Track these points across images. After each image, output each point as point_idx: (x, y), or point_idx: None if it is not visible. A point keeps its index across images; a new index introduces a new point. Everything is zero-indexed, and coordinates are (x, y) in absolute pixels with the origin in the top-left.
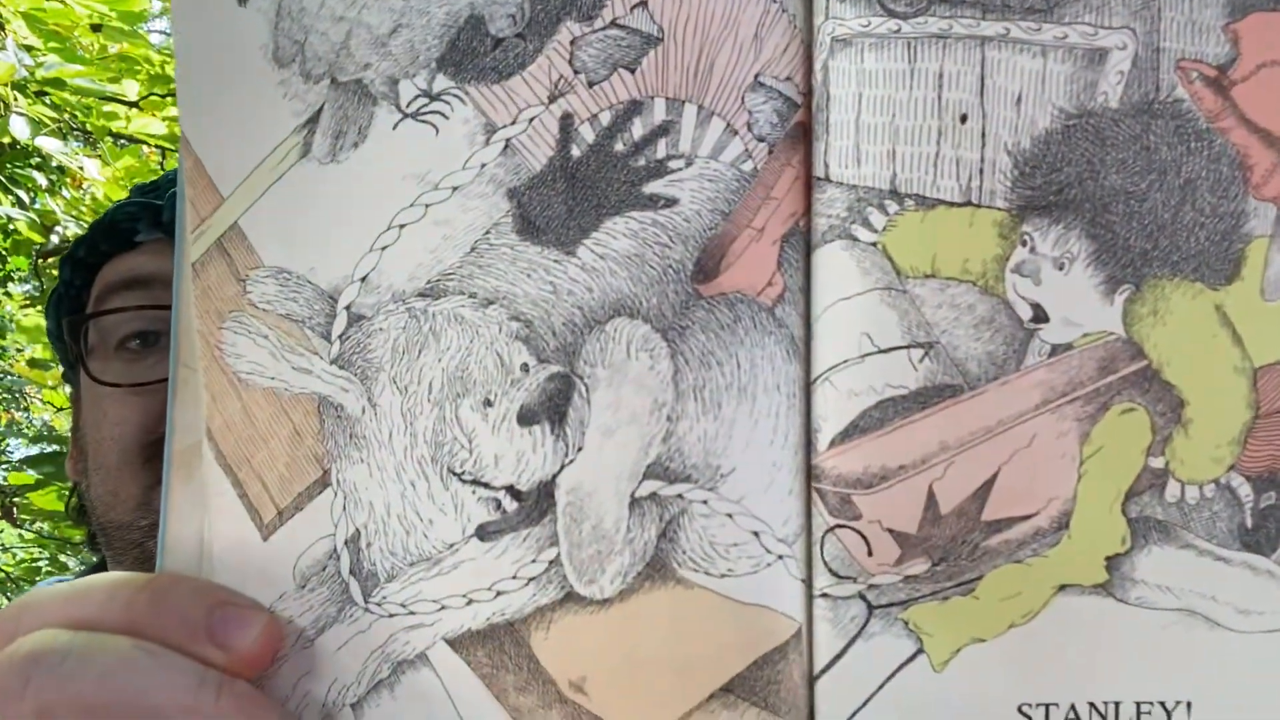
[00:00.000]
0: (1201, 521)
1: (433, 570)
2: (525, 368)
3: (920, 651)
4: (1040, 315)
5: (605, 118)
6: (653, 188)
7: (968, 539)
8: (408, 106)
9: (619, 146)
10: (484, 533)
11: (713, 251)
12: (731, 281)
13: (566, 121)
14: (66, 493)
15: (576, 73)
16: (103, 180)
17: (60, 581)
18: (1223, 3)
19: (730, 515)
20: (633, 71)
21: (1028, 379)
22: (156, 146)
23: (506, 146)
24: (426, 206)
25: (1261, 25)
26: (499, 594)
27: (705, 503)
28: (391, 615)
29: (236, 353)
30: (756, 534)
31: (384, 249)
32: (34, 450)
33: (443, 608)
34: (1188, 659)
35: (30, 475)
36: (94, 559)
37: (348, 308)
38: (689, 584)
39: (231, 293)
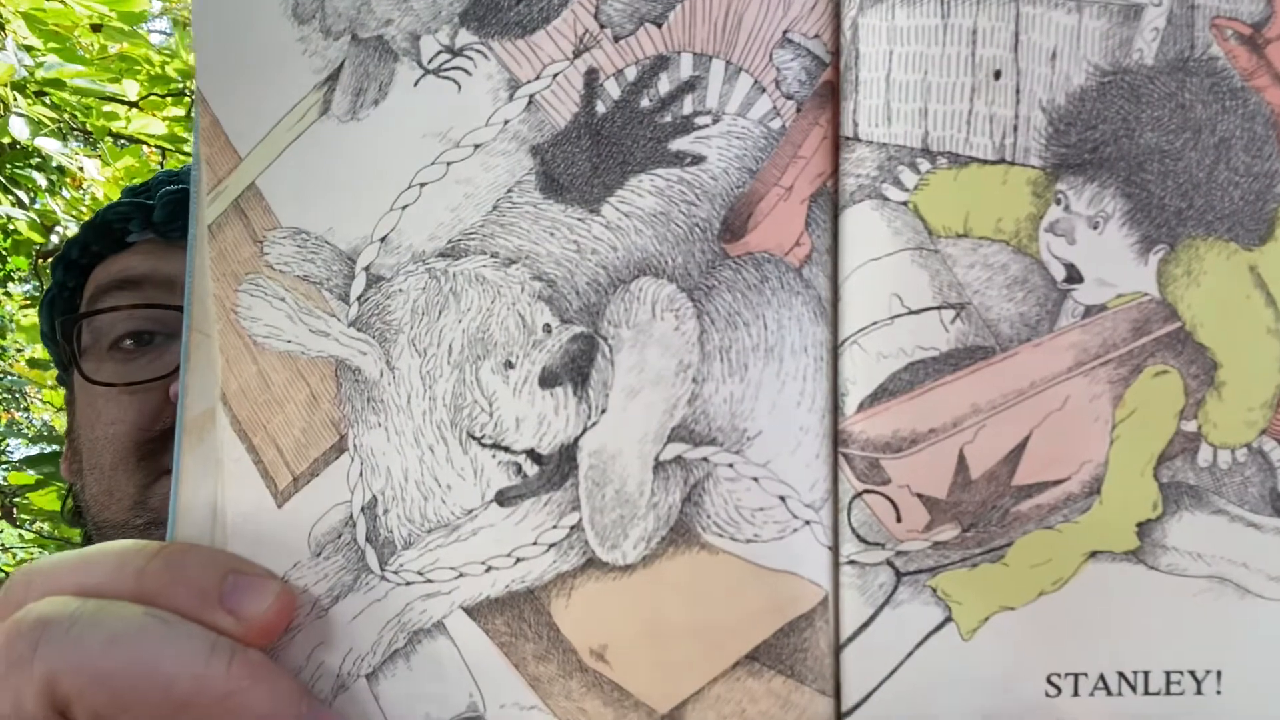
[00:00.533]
0: (1233, 487)
1: (451, 537)
2: (548, 328)
3: (949, 620)
4: (1074, 275)
5: (631, 73)
6: (679, 145)
7: (998, 504)
8: (429, 63)
9: (645, 102)
10: (504, 498)
11: (740, 210)
12: (759, 241)
13: (591, 77)
14: (65, 490)
15: (602, 27)
16: (103, 180)
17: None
18: None
19: (756, 479)
20: (659, 26)
21: (1061, 340)
22: (156, 146)
23: (530, 103)
24: (448, 165)
25: None
26: (519, 561)
27: (731, 466)
28: (408, 583)
29: (253, 315)
30: (783, 498)
31: (404, 208)
32: (34, 450)
33: (461, 575)
34: (1218, 627)
35: (30, 475)
36: None
37: (367, 269)
38: (714, 549)
39: (248, 254)
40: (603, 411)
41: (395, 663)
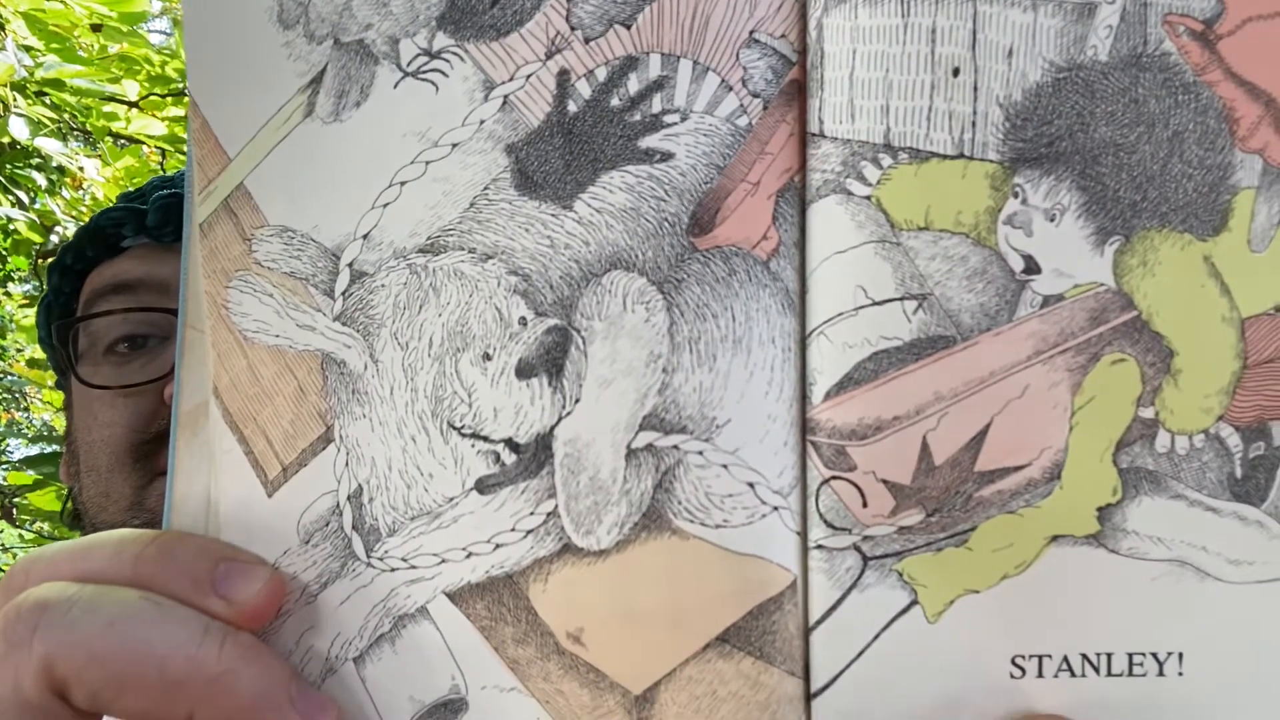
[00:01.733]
0: (1191, 472)
1: (433, 524)
2: (523, 321)
3: (914, 603)
4: (1032, 266)
5: (601, 73)
6: (648, 142)
7: (961, 489)
8: (408, 65)
9: (615, 102)
10: (483, 486)
11: (708, 205)
12: (727, 235)
13: (563, 77)
14: (65, 493)
15: (573, 29)
16: (102, 180)
17: None
18: None
19: (725, 466)
20: (628, 27)
21: (1020, 330)
22: (156, 147)
23: (505, 103)
24: (427, 164)
25: None
26: (497, 547)
27: (700, 454)
28: (393, 570)
29: (242, 311)
30: (752, 485)
31: (385, 206)
32: (34, 450)
33: (443, 561)
34: (1179, 610)
35: (29, 475)
36: None
37: (350, 265)
38: (684, 534)
39: (237, 252)
40: (576, 401)
41: (381, 647)
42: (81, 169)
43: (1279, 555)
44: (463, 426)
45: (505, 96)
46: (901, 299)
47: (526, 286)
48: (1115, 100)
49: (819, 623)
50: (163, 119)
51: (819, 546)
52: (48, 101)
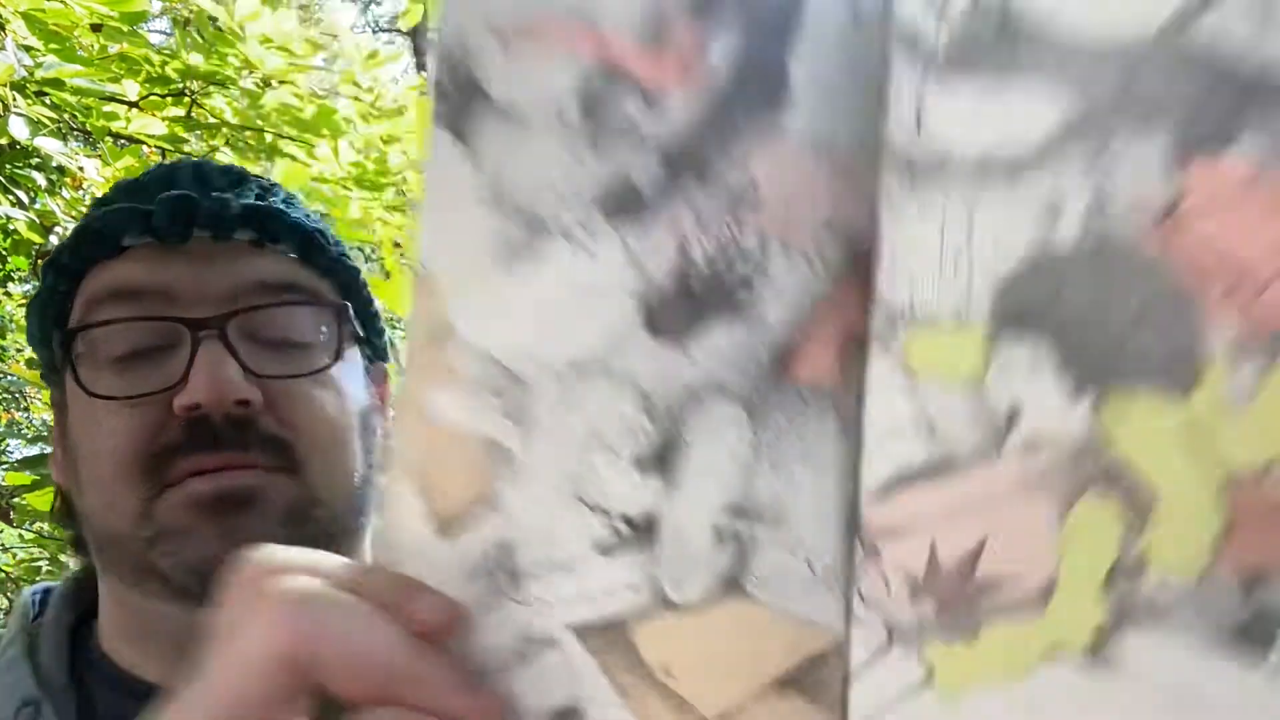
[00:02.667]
0: (1187, 614)
1: (566, 576)
2: (644, 429)
3: (931, 679)
4: (1015, 414)
5: (711, 247)
6: (743, 297)
7: (964, 592)
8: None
9: (720, 268)
10: (603, 550)
11: (787, 350)
12: (802, 375)
13: (684, 248)
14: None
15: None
16: (102, 180)
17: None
18: (1169, 145)
19: (790, 550)
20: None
21: (1007, 467)
22: (156, 147)
23: (639, 266)
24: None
25: (1208, 166)
26: (613, 596)
27: (770, 538)
28: (533, 607)
29: (432, 398)
30: (810, 565)
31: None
32: (33, 450)
33: (570, 604)
34: None
35: (27, 476)
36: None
37: (516, 374)
38: (755, 600)
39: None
40: (679, 491)
41: (520, 666)
42: (81, 169)
43: None
44: (593, 505)
45: (640, 262)
46: (918, 433)
47: (647, 404)
48: (1083, 281)
49: (855, 678)
50: (163, 119)
51: (857, 618)
52: (48, 101)
